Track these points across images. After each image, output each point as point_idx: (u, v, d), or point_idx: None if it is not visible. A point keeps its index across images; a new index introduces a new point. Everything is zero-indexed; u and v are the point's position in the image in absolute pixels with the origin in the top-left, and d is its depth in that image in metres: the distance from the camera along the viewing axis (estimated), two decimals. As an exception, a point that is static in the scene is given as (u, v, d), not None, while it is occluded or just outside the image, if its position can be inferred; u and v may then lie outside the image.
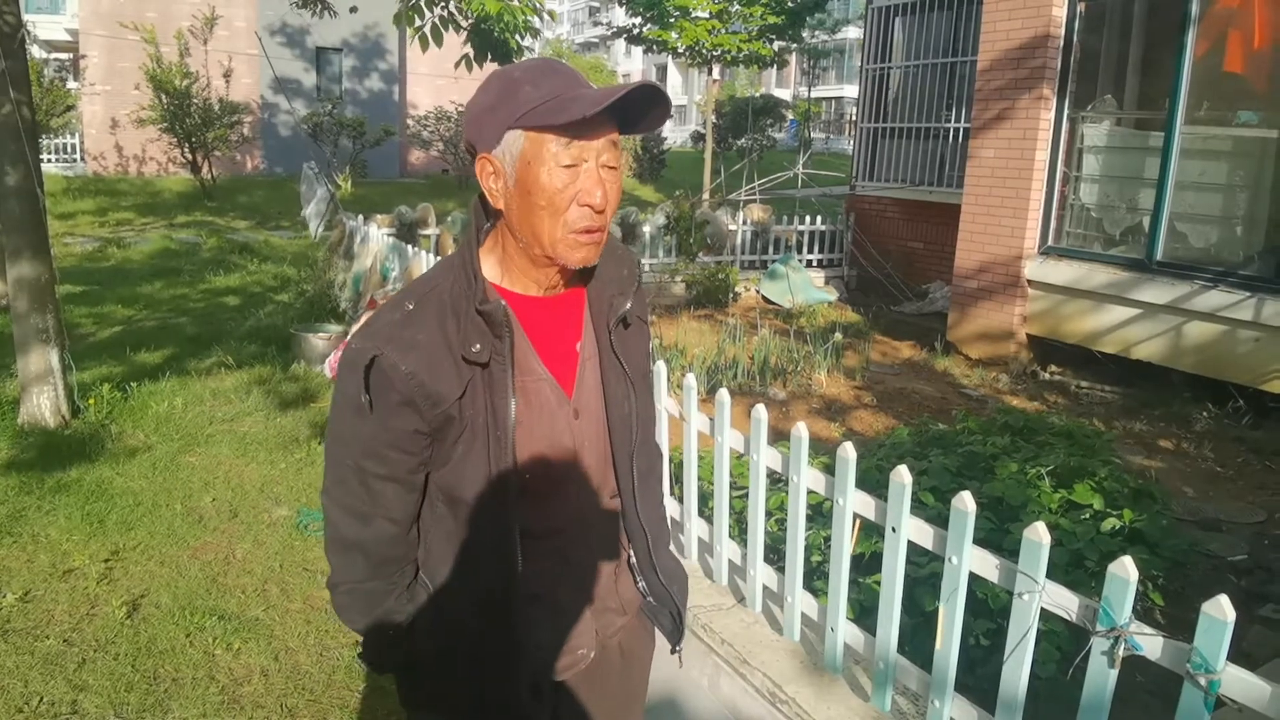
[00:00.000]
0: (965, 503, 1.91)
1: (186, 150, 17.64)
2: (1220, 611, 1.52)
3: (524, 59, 1.39)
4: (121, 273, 10.51)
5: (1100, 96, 7.30)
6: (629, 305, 1.49)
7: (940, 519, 1.99)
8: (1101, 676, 1.71)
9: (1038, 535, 1.76)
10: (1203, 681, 1.55)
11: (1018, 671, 1.86)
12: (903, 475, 2.07)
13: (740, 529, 3.04)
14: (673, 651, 1.68)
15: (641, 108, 1.33)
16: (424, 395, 1.33)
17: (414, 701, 1.57)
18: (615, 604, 1.60)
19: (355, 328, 1.25)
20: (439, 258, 5.92)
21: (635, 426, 1.53)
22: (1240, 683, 1.56)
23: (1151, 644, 1.64)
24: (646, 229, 10.37)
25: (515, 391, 1.38)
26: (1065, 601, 1.78)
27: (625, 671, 1.65)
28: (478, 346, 1.34)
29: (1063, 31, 7.07)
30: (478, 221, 1.45)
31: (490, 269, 1.42)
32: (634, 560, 1.62)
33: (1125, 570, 1.63)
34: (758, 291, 10.30)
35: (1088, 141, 7.29)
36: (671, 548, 1.78)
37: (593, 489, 1.52)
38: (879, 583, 2.24)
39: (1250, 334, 5.97)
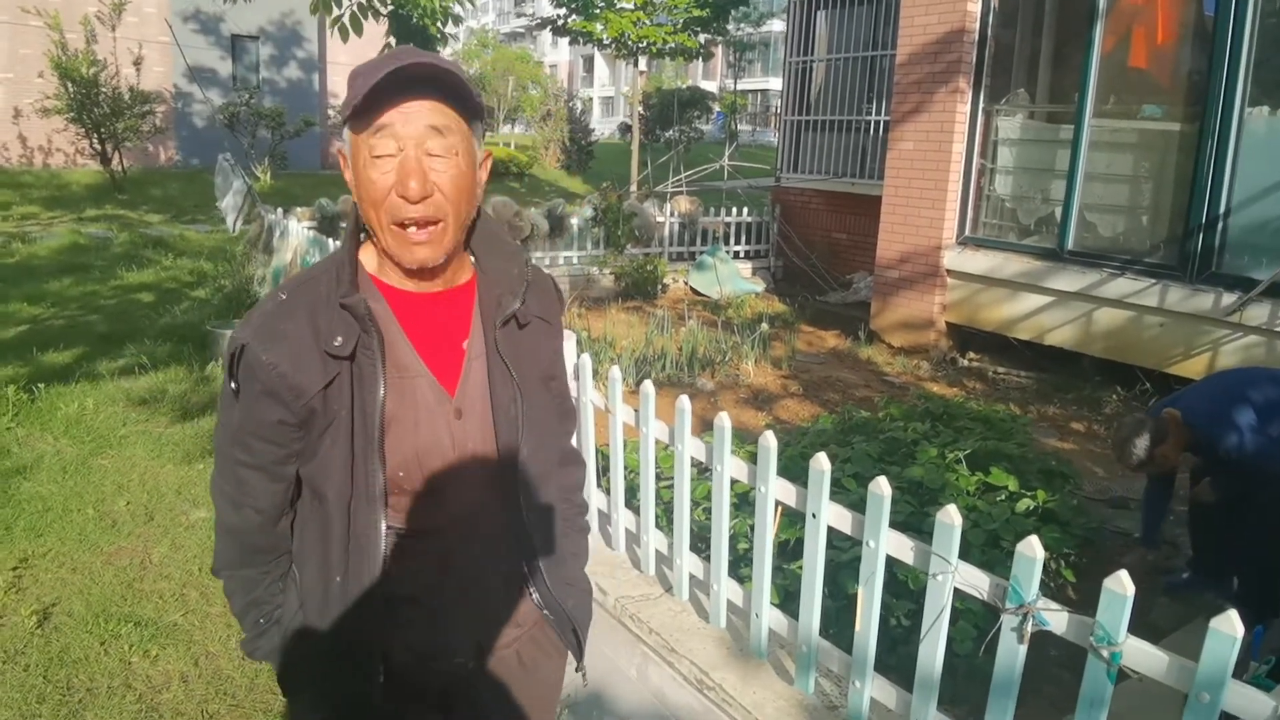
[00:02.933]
0: (881, 487, 1.96)
1: (95, 141, 17.01)
2: (1120, 586, 1.59)
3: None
4: (27, 269, 10.11)
5: (1014, 90, 7.50)
6: (518, 304, 1.45)
7: (860, 504, 2.05)
8: (1011, 653, 1.78)
9: (949, 518, 1.82)
10: (1105, 654, 1.62)
11: (933, 650, 1.92)
12: (822, 462, 2.11)
13: (669, 519, 3.07)
14: (577, 669, 1.65)
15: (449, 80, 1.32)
16: (286, 386, 1.34)
17: (285, 689, 1.59)
18: (506, 614, 1.56)
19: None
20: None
21: (522, 429, 1.47)
22: (1141, 654, 1.64)
23: (1058, 619, 1.71)
24: (574, 221, 10.36)
25: (386, 387, 1.36)
26: (977, 581, 1.84)
27: (526, 681, 1.61)
28: (339, 340, 1.33)
29: (978, 26, 7.25)
30: (355, 214, 1.44)
31: (373, 262, 1.43)
32: (526, 570, 1.56)
33: (1032, 550, 1.70)
34: (686, 283, 10.37)
35: (1002, 134, 7.49)
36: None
37: (477, 491, 1.47)
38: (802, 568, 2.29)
39: (1155, 320, 6.21)
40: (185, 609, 3.53)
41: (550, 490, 1.59)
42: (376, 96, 1.28)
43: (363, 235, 1.45)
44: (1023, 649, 1.75)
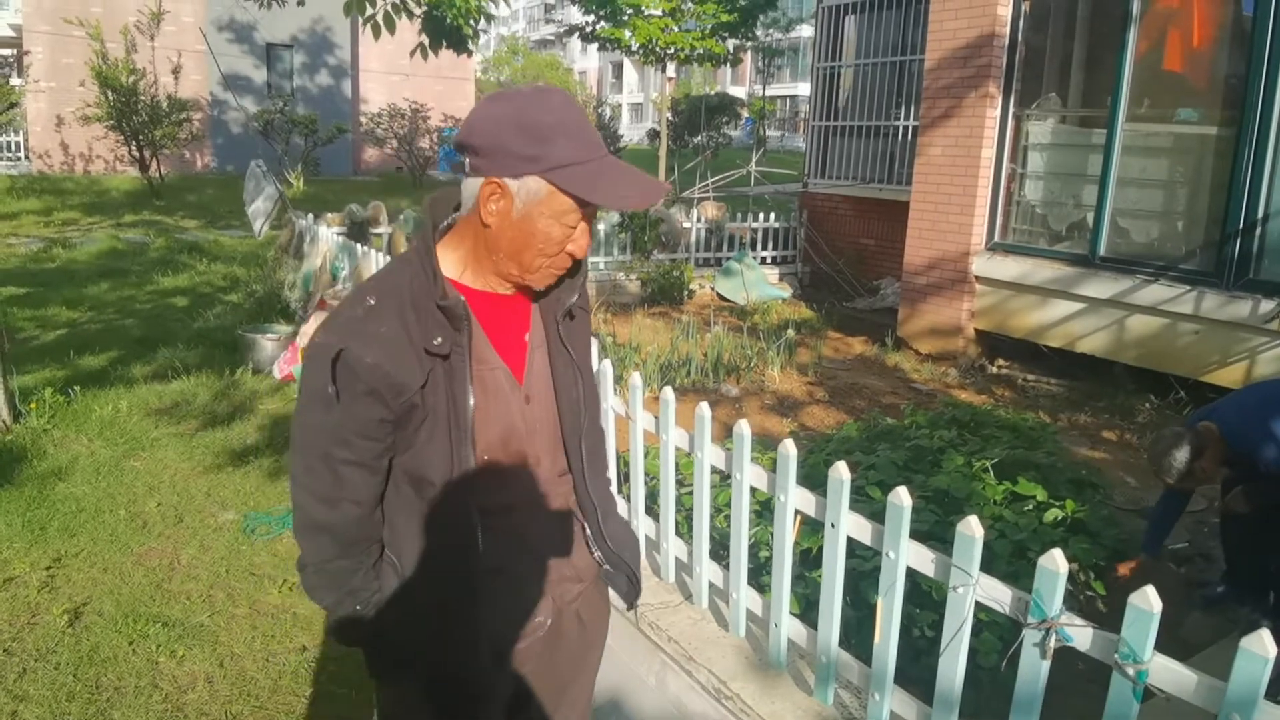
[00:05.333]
0: (901, 497, 1.93)
1: (134, 148, 17.31)
2: (1146, 603, 1.55)
3: (537, 87, 1.48)
4: (66, 274, 10.28)
5: (1044, 94, 7.41)
6: (574, 298, 1.61)
7: (882, 514, 2.01)
8: (1034, 668, 1.74)
9: (970, 529, 1.79)
10: (1130, 671, 1.58)
11: (954, 664, 1.89)
12: (841, 471, 2.08)
13: (689, 526, 3.05)
14: (630, 608, 1.83)
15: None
16: (388, 385, 1.42)
17: (381, 671, 1.66)
18: (571, 573, 1.71)
19: (306, 327, 1.32)
20: (390, 257, 5.86)
21: (583, 409, 1.65)
22: (1167, 672, 1.60)
23: (1081, 635, 1.66)
24: (601, 227, 10.36)
25: (473, 380, 1.48)
26: (999, 594, 1.80)
27: (581, 635, 1.77)
28: (439, 339, 1.43)
29: (1008, 30, 7.16)
30: (434, 218, 1.53)
31: (450, 266, 1.51)
32: (588, 532, 1.73)
33: (1055, 563, 1.66)
34: (712, 289, 10.33)
35: (1032, 139, 7.40)
36: (622, 513, 1.88)
37: (545, 467, 1.63)
38: (822, 578, 2.26)
39: (1190, 327, 6.10)
40: (212, 610, 3.56)
41: (600, 459, 1.77)
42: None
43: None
44: (1045, 664, 1.71)
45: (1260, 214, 5.84)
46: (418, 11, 6.61)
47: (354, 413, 1.43)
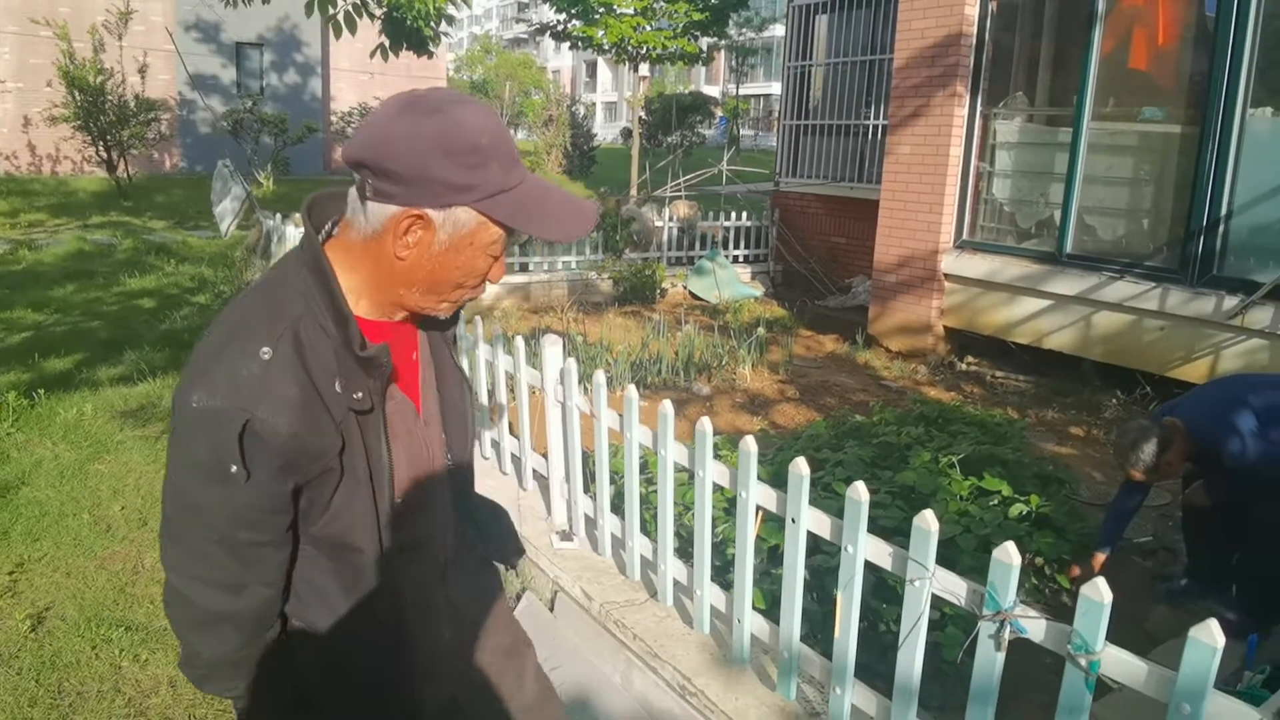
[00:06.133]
0: (859, 492, 1.93)
1: (102, 149, 17.11)
2: (1098, 594, 1.56)
3: (447, 95, 1.27)
4: (32, 276, 10.13)
5: (1012, 93, 7.47)
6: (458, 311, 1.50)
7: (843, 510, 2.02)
8: (990, 659, 1.74)
9: (926, 523, 1.79)
10: (1083, 662, 1.59)
11: (912, 656, 1.89)
12: (800, 467, 2.08)
13: (655, 524, 3.05)
14: (511, 568, 1.82)
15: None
16: (307, 455, 1.25)
17: None
18: (468, 577, 1.67)
19: (188, 379, 1.15)
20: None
21: (472, 422, 1.59)
22: (1119, 663, 1.61)
23: (1035, 626, 1.67)
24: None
25: (386, 425, 1.34)
26: (955, 587, 1.81)
27: (491, 624, 1.73)
28: (360, 394, 1.28)
29: (975, 30, 7.21)
30: (311, 237, 1.33)
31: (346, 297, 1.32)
32: (477, 532, 1.71)
33: (1008, 556, 1.66)
34: (685, 288, 10.34)
35: (1000, 137, 7.46)
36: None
37: (444, 491, 1.53)
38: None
39: (1156, 323, 6.17)
40: (176, 615, 3.52)
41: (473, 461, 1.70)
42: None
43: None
44: (1001, 656, 1.72)
45: (1223, 211, 5.91)
46: (378, 13, 6.57)
47: (265, 490, 1.24)
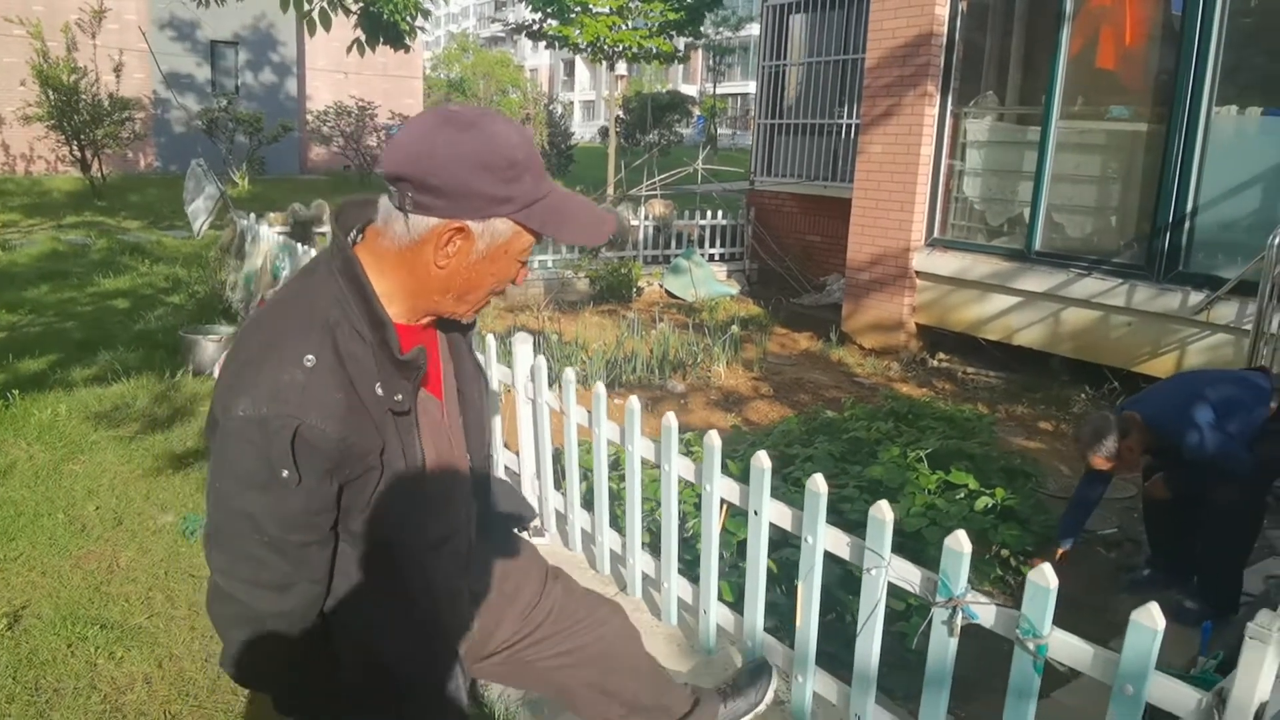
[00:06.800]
0: (818, 485, 1.97)
1: (76, 148, 16.97)
2: (1044, 579, 1.61)
3: (481, 112, 1.33)
4: (6, 276, 10.03)
5: (982, 93, 7.55)
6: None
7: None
8: (942, 645, 1.79)
9: (881, 513, 1.84)
10: (1031, 646, 1.64)
11: (870, 643, 1.94)
12: (762, 461, 2.13)
13: (625, 519, 3.08)
14: (524, 529, 1.86)
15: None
16: (352, 456, 1.30)
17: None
18: (496, 567, 1.76)
19: (231, 390, 1.19)
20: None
21: (489, 417, 1.66)
22: (1066, 646, 1.66)
23: (986, 612, 1.72)
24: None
25: (419, 425, 1.40)
26: (909, 575, 1.85)
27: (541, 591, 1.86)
28: (400, 396, 1.33)
29: (945, 30, 7.28)
30: (344, 243, 1.38)
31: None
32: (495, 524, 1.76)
33: (959, 544, 1.71)
34: (661, 286, 10.38)
35: (970, 136, 7.54)
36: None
37: (466, 486, 1.58)
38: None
39: (1123, 319, 6.26)
40: (151, 612, 3.53)
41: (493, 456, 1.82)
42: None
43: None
44: (953, 641, 1.76)
45: (1189, 208, 6.01)
46: (354, 7, 6.55)
47: (315, 493, 1.29)
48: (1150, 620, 1.51)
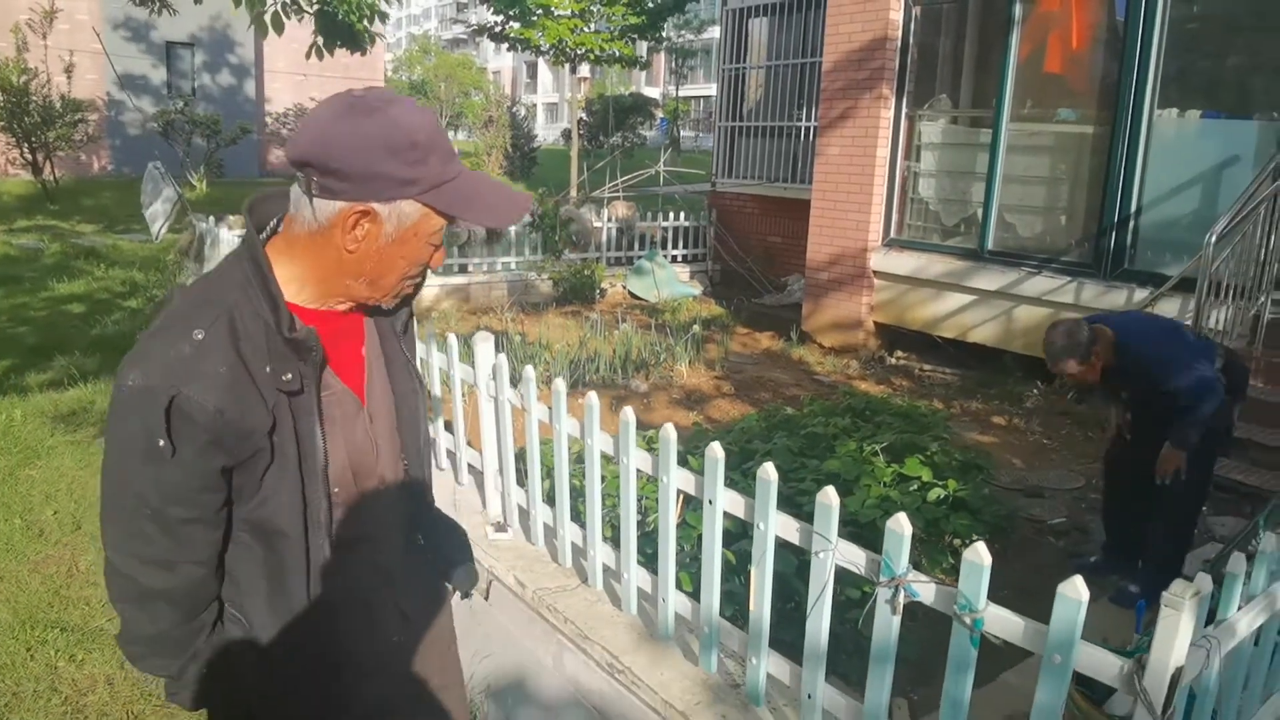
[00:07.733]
0: (768, 473, 2.06)
1: (26, 150, 16.69)
2: (978, 557, 1.71)
3: (384, 95, 1.34)
4: (-45, 282, 9.90)
5: (936, 96, 7.71)
6: (410, 306, 1.56)
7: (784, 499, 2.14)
8: (886, 623, 1.88)
9: (828, 499, 1.93)
10: (968, 620, 1.73)
11: (819, 623, 2.02)
12: (715, 451, 2.21)
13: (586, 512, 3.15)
14: (465, 597, 1.77)
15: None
16: (232, 432, 1.29)
17: None
18: (418, 583, 1.68)
19: (126, 364, 1.19)
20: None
21: (423, 419, 1.60)
22: (999, 620, 1.76)
23: (926, 590, 1.81)
24: (512, 227, 10.38)
25: (320, 412, 1.38)
26: (855, 557, 1.95)
27: (433, 635, 1.72)
28: (289, 375, 1.33)
29: (900, 34, 7.44)
30: (258, 224, 1.41)
31: (285, 286, 1.37)
32: (422, 540, 1.69)
33: (900, 526, 1.80)
34: (624, 288, 10.45)
35: (925, 138, 7.69)
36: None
37: (390, 486, 1.55)
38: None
39: (1072, 316, 6.41)
40: (111, 615, 3.53)
41: (430, 459, 1.70)
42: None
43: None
44: (896, 620, 1.85)
45: (1133, 208, 6.19)
46: (309, 9, 6.52)
47: (193, 467, 1.28)
48: (1075, 592, 1.61)
